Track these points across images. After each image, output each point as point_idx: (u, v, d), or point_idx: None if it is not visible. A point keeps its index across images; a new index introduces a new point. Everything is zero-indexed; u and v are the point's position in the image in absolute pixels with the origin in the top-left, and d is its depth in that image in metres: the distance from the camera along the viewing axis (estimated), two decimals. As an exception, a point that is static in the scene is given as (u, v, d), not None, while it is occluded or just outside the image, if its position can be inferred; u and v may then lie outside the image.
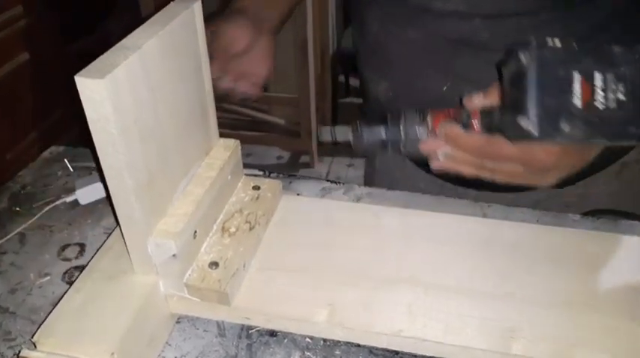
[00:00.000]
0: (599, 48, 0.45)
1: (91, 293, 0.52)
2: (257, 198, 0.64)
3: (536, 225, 0.67)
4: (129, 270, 0.54)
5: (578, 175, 0.77)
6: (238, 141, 0.63)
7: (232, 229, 0.59)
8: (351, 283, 0.56)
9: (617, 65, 0.45)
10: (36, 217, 0.72)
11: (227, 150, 0.62)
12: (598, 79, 0.45)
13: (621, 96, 0.45)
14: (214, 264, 0.55)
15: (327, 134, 0.59)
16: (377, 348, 0.55)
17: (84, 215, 0.72)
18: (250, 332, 0.57)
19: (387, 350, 0.54)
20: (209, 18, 0.69)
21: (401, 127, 0.56)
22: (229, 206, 0.63)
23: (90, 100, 0.41)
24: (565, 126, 0.44)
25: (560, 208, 0.73)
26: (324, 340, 0.56)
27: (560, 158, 0.53)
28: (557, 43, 0.45)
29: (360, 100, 0.90)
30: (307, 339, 0.56)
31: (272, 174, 0.77)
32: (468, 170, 0.58)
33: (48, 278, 0.64)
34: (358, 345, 0.55)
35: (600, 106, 0.45)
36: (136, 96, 0.45)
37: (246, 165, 0.68)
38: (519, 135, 0.47)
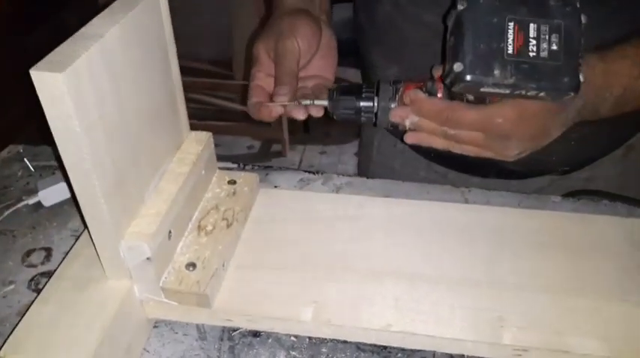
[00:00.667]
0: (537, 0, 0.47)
1: (61, 302, 0.48)
2: (233, 193, 0.61)
3: (518, 209, 0.66)
4: (100, 276, 0.50)
5: (585, 159, 0.76)
6: (210, 134, 0.60)
7: (209, 227, 0.57)
8: (336, 278, 0.55)
9: (552, 17, 0.47)
10: (-3, 221, 0.68)
11: (199, 143, 0.58)
12: (532, 28, 0.46)
13: (554, 47, 0.47)
14: (192, 265, 0.52)
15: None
16: (364, 344, 0.53)
17: (49, 217, 0.68)
18: (232, 333, 0.55)
19: (375, 345, 0.53)
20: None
21: (374, 96, 0.57)
22: (204, 202, 0.60)
23: (48, 96, 0.37)
24: (496, 71, 0.46)
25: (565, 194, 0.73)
26: (310, 338, 0.54)
27: (517, 125, 0.53)
28: None
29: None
30: (292, 338, 0.54)
31: (247, 167, 0.74)
32: (436, 142, 0.57)
33: (12, 286, 0.60)
34: (345, 342, 0.54)
35: (532, 54, 0.47)
36: (99, 90, 0.41)
37: (217, 157, 0.65)
38: (455, 81, 0.48)
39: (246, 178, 0.62)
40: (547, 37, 0.47)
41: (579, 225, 0.61)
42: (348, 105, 0.58)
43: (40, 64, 0.37)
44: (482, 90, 0.48)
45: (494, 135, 0.54)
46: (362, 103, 0.57)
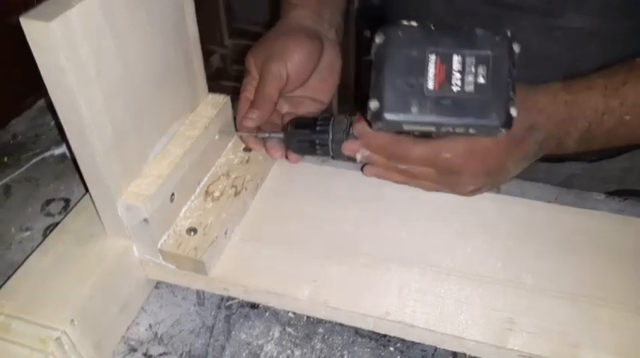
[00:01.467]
0: (461, 30, 0.42)
1: (59, 255, 0.49)
2: (247, 160, 0.59)
3: (552, 204, 0.60)
4: (101, 233, 0.50)
5: (619, 148, 0.68)
6: (228, 98, 0.58)
7: (216, 193, 0.55)
8: (339, 259, 0.52)
9: (479, 47, 0.42)
10: (23, 169, 0.69)
11: (215, 107, 0.57)
12: (455, 60, 0.42)
13: (481, 80, 0.42)
14: (192, 230, 0.51)
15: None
16: (363, 329, 0.51)
17: (72, 169, 0.69)
18: (230, 303, 0.54)
19: (374, 332, 0.50)
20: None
21: (329, 129, 0.54)
22: (216, 168, 0.58)
23: (39, 47, 0.36)
24: (414, 109, 0.42)
25: (598, 184, 0.67)
26: (308, 317, 0.52)
27: (468, 160, 0.48)
28: (414, 22, 0.43)
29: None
30: (290, 314, 0.53)
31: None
32: (393, 176, 0.54)
33: (29, 233, 0.61)
34: (343, 325, 0.51)
35: (456, 88, 0.42)
36: (98, 45, 0.40)
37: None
38: (373, 119, 0.44)
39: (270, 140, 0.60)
40: (473, 69, 0.42)
41: (619, 229, 0.55)
42: (302, 138, 0.55)
43: (31, 11, 0.35)
44: (405, 128, 0.44)
45: (444, 171, 0.50)
46: (315, 136, 0.54)
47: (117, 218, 0.47)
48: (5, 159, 0.71)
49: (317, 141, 0.55)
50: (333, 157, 0.56)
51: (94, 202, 0.48)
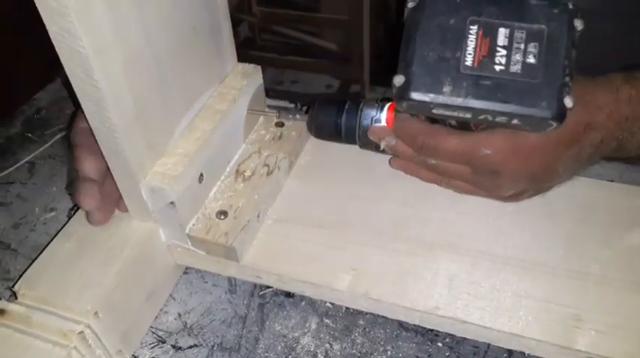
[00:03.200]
0: None
1: (82, 239, 0.45)
2: (279, 136, 0.54)
3: (616, 183, 0.54)
4: (126, 216, 0.47)
5: None
6: (259, 67, 0.53)
7: (247, 173, 0.51)
8: (382, 245, 0.47)
9: (532, 20, 0.34)
10: (47, 145, 0.67)
11: (245, 77, 0.52)
12: (501, 34, 0.35)
13: (531, 60, 0.34)
14: (223, 213, 0.47)
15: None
16: (408, 322, 0.46)
17: (96, 145, 0.66)
18: (263, 292, 0.50)
19: (420, 325, 0.46)
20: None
21: (358, 113, 0.48)
22: (247, 145, 0.54)
23: (46, 6, 0.32)
24: (447, 88, 0.35)
25: None
26: (347, 307, 0.48)
27: (509, 159, 0.41)
28: None
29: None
30: (328, 304, 0.49)
31: (304, 108, 0.67)
32: (422, 174, 0.49)
33: (53, 213, 0.59)
34: (386, 317, 0.47)
35: (499, 67, 0.35)
36: (115, 7, 0.35)
37: (292, 94, 0.58)
38: (397, 98, 0.37)
39: (297, 122, 0.55)
40: (522, 46, 0.34)
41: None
42: (327, 122, 0.50)
43: (37, -31, 0.31)
44: (434, 112, 0.37)
45: (482, 170, 0.43)
46: (342, 120, 0.49)
47: (141, 200, 0.44)
48: (30, 134, 0.68)
49: (343, 126, 0.49)
50: (360, 146, 0.51)
51: (115, 181, 0.44)
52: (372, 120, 0.48)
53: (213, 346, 0.46)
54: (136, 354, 0.46)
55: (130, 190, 0.44)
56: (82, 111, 0.38)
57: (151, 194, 0.43)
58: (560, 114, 0.35)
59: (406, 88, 0.36)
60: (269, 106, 0.57)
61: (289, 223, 0.50)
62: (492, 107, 0.36)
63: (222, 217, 0.47)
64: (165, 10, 0.40)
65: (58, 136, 0.68)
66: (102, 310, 0.41)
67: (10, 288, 0.47)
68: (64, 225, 0.48)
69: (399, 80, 0.36)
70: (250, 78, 0.52)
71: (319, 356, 0.45)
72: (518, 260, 0.46)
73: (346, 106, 0.49)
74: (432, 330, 0.46)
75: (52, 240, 0.46)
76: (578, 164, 0.43)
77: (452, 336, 0.46)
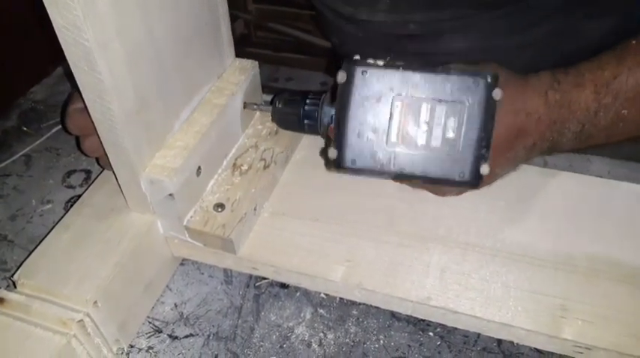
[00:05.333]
0: (433, 72, 0.36)
1: (80, 230, 0.46)
2: (276, 131, 0.55)
3: (605, 179, 0.56)
4: (124, 206, 0.47)
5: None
6: (256, 63, 0.54)
7: (244, 167, 0.52)
8: (376, 238, 0.48)
9: (452, 95, 0.36)
10: (43, 138, 0.67)
11: (242, 72, 0.53)
12: (424, 109, 0.36)
13: (450, 134, 0.37)
14: (220, 206, 0.48)
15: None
16: (400, 312, 0.47)
17: (93, 139, 0.66)
18: (259, 283, 0.51)
19: (412, 315, 0.47)
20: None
21: (319, 109, 0.49)
22: (244, 139, 0.55)
23: (52, 1, 0.32)
24: (376, 161, 0.38)
25: None
26: (341, 298, 0.49)
27: None
28: (380, 61, 0.37)
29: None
30: (322, 295, 0.50)
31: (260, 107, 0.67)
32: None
33: (50, 205, 0.59)
34: (378, 306, 0.48)
35: (421, 142, 0.37)
36: (117, 0, 0.36)
37: (283, 91, 0.58)
38: (333, 165, 0.40)
39: (262, 113, 0.56)
40: (442, 120, 0.36)
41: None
42: (290, 113, 0.50)
43: (43, -37, 0.32)
44: (366, 175, 0.40)
45: None
46: (304, 112, 0.50)
47: (140, 192, 0.44)
48: (25, 128, 0.69)
49: (305, 118, 0.50)
50: (322, 136, 0.51)
51: (115, 175, 0.45)
52: (331, 118, 0.48)
53: (209, 335, 0.47)
54: (132, 343, 0.47)
55: (129, 182, 0.44)
56: (77, 94, 0.39)
57: (150, 186, 0.44)
58: (476, 180, 0.38)
59: (340, 160, 0.39)
60: (266, 102, 0.58)
61: (285, 216, 0.51)
62: (416, 174, 0.39)
63: (220, 210, 0.48)
64: (167, 5, 0.41)
65: (54, 129, 0.68)
66: (101, 299, 0.41)
67: (10, 278, 0.47)
68: (61, 217, 0.48)
69: (332, 153, 0.39)
70: (248, 73, 0.52)
71: (313, 345, 0.46)
72: (507, 252, 0.47)
73: (307, 101, 0.50)
74: (423, 320, 0.47)
75: (50, 231, 0.46)
76: (513, 165, 0.46)
77: (443, 326, 0.47)
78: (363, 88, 0.37)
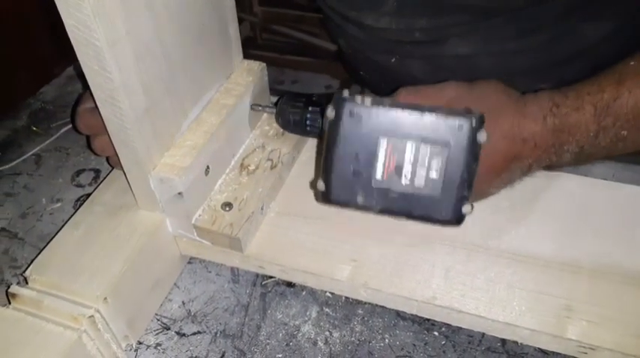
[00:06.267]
0: (420, 112, 0.37)
1: (90, 228, 0.47)
2: (282, 132, 0.56)
3: (609, 181, 0.56)
4: (133, 204, 0.48)
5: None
6: (264, 64, 0.55)
7: (252, 167, 0.52)
8: (381, 237, 0.49)
9: (437, 137, 0.36)
10: (53, 138, 0.68)
11: (250, 73, 0.53)
12: (409, 150, 0.37)
13: (433, 175, 0.37)
14: (228, 205, 0.49)
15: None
16: (405, 312, 0.48)
17: (102, 138, 0.67)
18: (265, 282, 0.51)
19: (417, 315, 0.48)
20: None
21: (324, 111, 0.49)
22: (251, 139, 0.55)
23: (64, 1, 0.33)
24: (360, 198, 0.39)
25: None
26: (347, 297, 0.50)
27: None
28: (368, 100, 0.37)
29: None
30: (328, 294, 0.50)
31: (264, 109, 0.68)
32: None
33: (59, 204, 0.60)
34: (384, 306, 0.49)
35: (405, 181, 0.38)
36: (127, 1, 0.36)
37: (289, 94, 0.59)
38: (320, 197, 0.41)
39: (268, 114, 0.56)
40: (426, 161, 0.37)
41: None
42: (293, 115, 0.52)
43: (57, -36, 0.32)
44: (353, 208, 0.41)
45: None
46: (307, 114, 0.51)
47: (149, 190, 0.45)
48: (35, 127, 0.70)
49: (308, 121, 0.51)
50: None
51: (125, 173, 0.45)
52: None
53: (216, 333, 0.48)
54: (141, 340, 0.47)
55: (138, 180, 0.45)
56: (89, 94, 0.40)
57: (159, 184, 0.44)
58: (458, 220, 0.39)
59: (327, 194, 0.40)
60: (273, 103, 0.58)
61: (291, 216, 0.52)
62: (399, 212, 0.40)
63: (227, 209, 0.49)
64: (176, 5, 0.42)
65: (64, 129, 0.69)
66: (111, 296, 0.42)
67: (21, 275, 0.48)
68: (71, 215, 0.49)
69: (321, 185, 0.40)
70: (255, 75, 0.53)
71: (319, 343, 0.47)
72: (512, 253, 0.48)
73: (310, 106, 0.52)
74: (428, 320, 0.48)
75: (61, 228, 0.47)
76: (507, 184, 0.45)
77: (447, 325, 0.47)
78: (350, 125, 0.37)
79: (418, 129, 0.37)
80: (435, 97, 0.43)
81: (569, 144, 0.42)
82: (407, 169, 0.38)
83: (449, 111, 0.37)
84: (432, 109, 0.37)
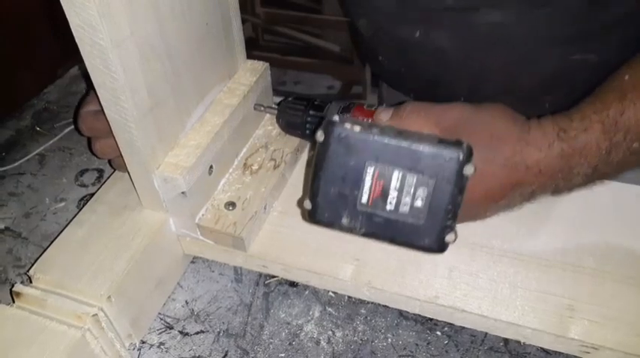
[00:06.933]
0: (409, 141, 0.37)
1: (94, 227, 0.47)
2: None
3: (614, 182, 0.56)
4: (137, 204, 0.48)
5: None
6: (267, 65, 0.55)
7: (255, 166, 0.53)
8: (385, 237, 0.49)
9: (424, 167, 0.37)
10: (57, 138, 0.68)
11: (254, 74, 0.53)
12: (395, 178, 0.38)
13: (418, 203, 0.38)
14: (231, 205, 0.49)
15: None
16: (408, 311, 0.48)
17: (105, 138, 0.67)
18: (268, 281, 0.51)
19: (420, 315, 0.48)
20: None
21: (323, 113, 0.51)
22: (254, 139, 0.55)
23: (69, 2, 0.33)
24: (345, 220, 0.39)
25: None
26: (349, 296, 0.50)
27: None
28: (357, 127, 0.37)
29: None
30: (330, 293, 0.50)
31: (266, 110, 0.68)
32: None
33: (63, 204, 0.60)
34: (387, 306, 0.49)
35: (389, 207, 0.38)
36: (132, 2, 0.37)
37: (291, 94, 0.60)
38: (306, 216, 0.41)
39: (269, 115, 0.57)
40: (412, 190, 0.37)
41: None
42: (294, 118, 0.53)
43: (62, -35, 0.32)
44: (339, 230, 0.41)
45: None
46: (308, 118, 0.52)
47: (153, 190, 0.45)
48: (39, 128, 0.70)
49: (308, 124, 0.52)
50: None
51: (129, 173, 0.45)
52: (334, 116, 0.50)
53: (219, 332, 0.48)
54: (144, 339, 0.47)
55: (142, 180, 0.45)
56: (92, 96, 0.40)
57: (163, 184, 0.45)
58: (441, 248, 0.39)
59: (313, 213, 0.40)
60: (275, 103, 0.59)
61: (294, 215, 0.52)
62: (383, 237, 0.40)
63: (231, 208, 0.49)
64: (180, 5, 0.42)
65: (67, 129, 0.69)
66: (114, 295, 0.42)
67: (25, 274, 0.48)
68: (75, 214, 0.49)
69: (307, 205, 0.40)
70: (259, 75, 0.53)
71: (322, 342, 0.47)
72: (515, 253, 0.48)
73: (312, 107, 0.52)
74: (431, 319, 0.48)
75: (65, 228, 0.47)
76: (507, 209, 0.45)
77: (450, 325, 0.47)
78: (339, 149, 0.38)
79: (406, 158, 0.37)
80: (440, 117, 0.43)
81: (580, 167, 0.42)
82: (392, 196, 0.38)
83: (438, 142, 0.37)
84: (420, 139, 0.37)
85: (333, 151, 0.38)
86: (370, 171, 0.38)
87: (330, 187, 0.39)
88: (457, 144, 0.36)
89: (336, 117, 0.38)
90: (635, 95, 0.40)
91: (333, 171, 0.38)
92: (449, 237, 0.39)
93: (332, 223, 0.40)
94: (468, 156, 0.37)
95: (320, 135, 0.38)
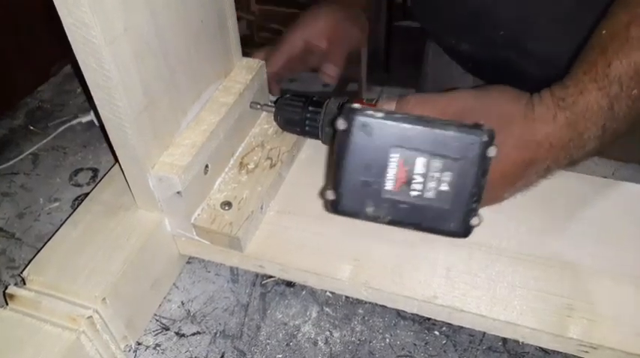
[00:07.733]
0: (432, 125, 0.37)
1: (89, 227, 0.46)
2: (282, 131, 0.56)
3: (610, 179, 0.56)
4: (132, 203, 0.48)
5: None
6: (263, 62, 0.54)
7: (251, 165, 0.52)
8: (383, 236, 0.49)
9: (448, 151, 0.37)
10: (50, 137, 0.67)
11: (250, 71, 0.53)
12: (419, 163, 0.37)
13: (444, 187, 0.38)
14: (227, 204, 0.48)
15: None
16: (406, 311, 0.48)
17: (99, 138, 0.67)
18: (265, 281, 0.51)
19: (418, 314, 0.47)
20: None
21: (322, 109, 0.51)
22: (250, 138, 0.55)
23: (62, 0, 0.33)
24: (370, 208, 0.39)
25: None
26: (347, 296, 0.50)
27: None
28: (379, 113, 0.37)
29: (417, 24, 0.78)
30: (328, 293, 0.50)
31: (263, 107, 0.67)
32: None
33: (57, 204, 0.59)
34: (385, 306, 0.48)
35: (415, 193, 0.38)
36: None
37: (287, 92, 0.59)
38: (329, 206, 0.41)
39: (267, 112, 0.56)
40: (437, 174, 0.37)
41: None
42: (292, 115, 0.52)
43: (54, -39, 0.32)
44: (362, 219, 0.41)
45: None
46: (306, 115, 0.52)
47: (148, 189, 0.45)
48: (32, 127, 0.69)
49: (307, 121, 0.52)
50: (323, 142, 0.53)
51: (123, 172, 0.45)
52: (331, 123, 0.50)
53: (215, 333, 0.47)
54: (140, 340, 0.47)
55: (137, 180, 0.45)
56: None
57: (158, 183, 0.44)
58: (467, 231, 0.39)
59: (336, 203, 0.40)
60: (272, 101, 0.58)
61: (291, 215, 0.51)
62: (409, 223, 0.40)
63: (227, 208, 0.48)
64: (174, 2, 0.41)
65: (61, 128, 0.68)
66: (109, 296, 0.42)
67: (19, 275, 0.48)
68: (69, 215, 0.49)
69: (330, 195, 0.40)
70: (255, 73, 0.53)
71: (319, 343, 0.46)
72: (513, 252, 0.47)
73: (311, 103, 0.52)
74: (429, 319, 0.48)
75: (59, 228, 0.47)
76: (524, 188, 0.45)
77: (448, 325, 0.47)
78: (361, 137, 0.37)
79: (430, 143, 0.37)
80: (444, 107, 0.42)
81: (588, 131, 0.42)
82: (417, 181, 0.38)
83: (460, 125, 0.37)
84: (443, 123, 0.37)
85: (355, 139, 0.37)
86: (395, 157, 0.37)
87: (353, 176, 0.38)
88: (478, 126, 0.37)
89: (356, 105, 0.37)
90: (616, 44, 0.40)
91: (357, 160, 0.38)
92: (474, 221, 0.39)
93: (357, 212, 0.40)
94: (491, 138, 0.37)
95: (341, 124, 0.37)
